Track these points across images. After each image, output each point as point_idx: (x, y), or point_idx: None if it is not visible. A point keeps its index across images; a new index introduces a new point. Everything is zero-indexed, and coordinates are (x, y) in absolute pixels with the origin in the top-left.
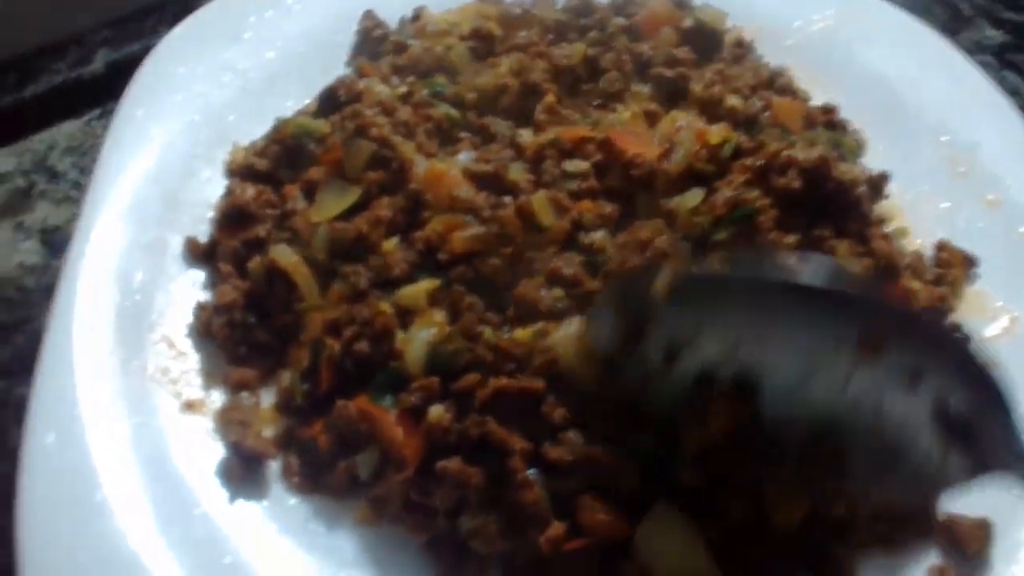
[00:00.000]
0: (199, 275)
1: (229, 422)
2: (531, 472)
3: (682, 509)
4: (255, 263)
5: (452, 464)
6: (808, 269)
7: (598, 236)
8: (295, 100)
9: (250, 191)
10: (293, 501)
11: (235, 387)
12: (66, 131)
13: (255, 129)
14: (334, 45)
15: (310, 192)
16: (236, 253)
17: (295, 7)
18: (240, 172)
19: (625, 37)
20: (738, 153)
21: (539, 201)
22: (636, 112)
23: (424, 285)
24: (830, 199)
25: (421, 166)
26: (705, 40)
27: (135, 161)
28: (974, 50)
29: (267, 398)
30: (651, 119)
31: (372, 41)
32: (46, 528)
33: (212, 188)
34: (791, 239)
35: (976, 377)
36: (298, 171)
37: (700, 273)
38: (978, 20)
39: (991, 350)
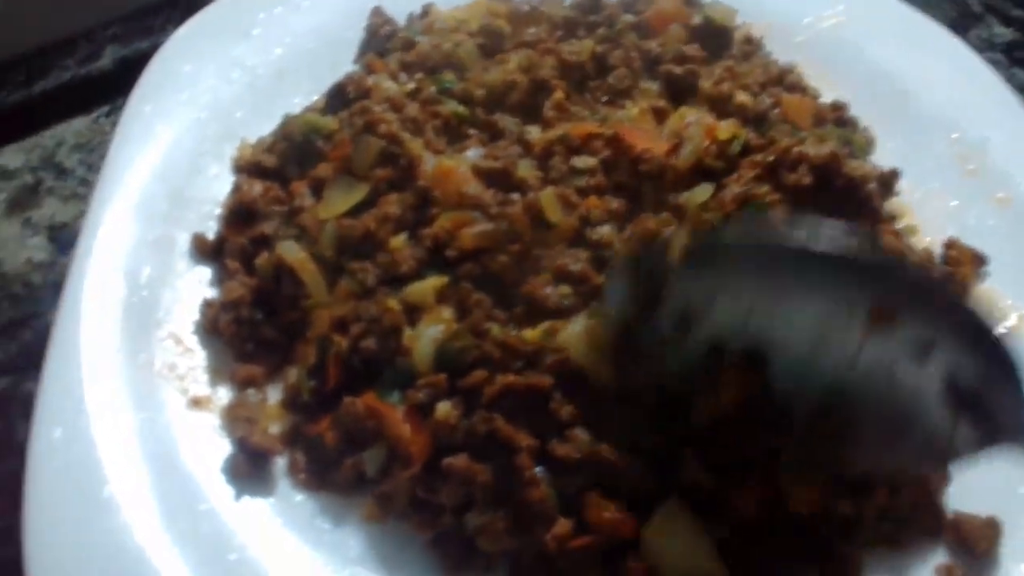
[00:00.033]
0: (206, 272)
1: (236, 418)
2: (538, 470)
3: (690, 507)
4: (262, 260)
5: (459, 461)
6: (825, 234)
7: (605, 231)
8: (303, 97)
9: (258, 188)
10: (299, 498)
11: (242, 383)
12: (74, 128)
13: (263, 126)
14: (342, 42)
15: (318, 189)
16: (243, 250)
17: (304, 4)
18: (248, 169)
19: (634, 34)
20: (747, 149)
21: (547, 198)
22: (644, 109)
23: (432, 282)
24: (840, 196)
25: (429, 163)
26: (714, 37)
27: (143, 158)
28: (983, 47)
29: (274, 394)
30: (660, 116)
31: (380, 38)
32: (52, 522)
33: (220, 185)
34: None
35: (987, 348)
36: (306, 168)
37: (716, 237)
38: (988, 17)
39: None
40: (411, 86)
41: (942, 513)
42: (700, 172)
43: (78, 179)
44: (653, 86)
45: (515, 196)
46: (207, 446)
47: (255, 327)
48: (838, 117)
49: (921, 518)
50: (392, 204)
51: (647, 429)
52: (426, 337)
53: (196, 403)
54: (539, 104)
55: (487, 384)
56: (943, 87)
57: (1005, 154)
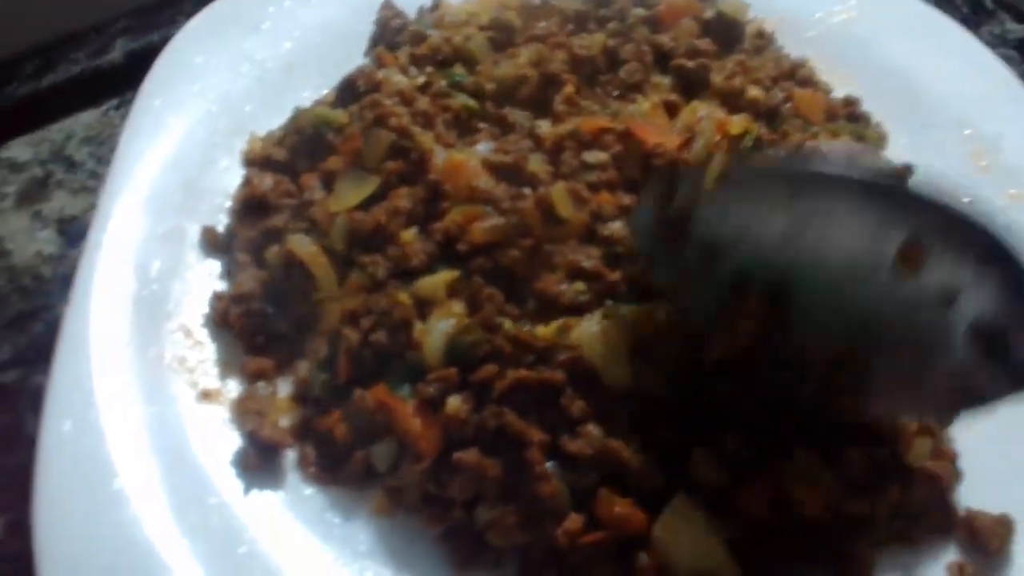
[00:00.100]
0: (216, 265)
1: (245, 412)
2: (549, 465)
3: (700, 505)
4: (273, 253)
5: (469, 456)
6: (862, 165)
7: (617, 227)
8: (313, 90)
9: (268, 181)
10: (309, 491)
11: (252, 377)
12: (84, 121)
13: (273, 119)
14: (352, 35)
15: (328, 182)
16: (254, 243)
17: None
18: (258, 162)
19: (645, 28)
20: (759, 144)
21: (558, 193)
22: (656, 103)
23: (443, 276)
24: None
25: (440, 156)
26: (726, 31)
27: (153, 151)
28: (996, 43)
29: (284, 388)
30: (671, 110)
31: (390, 31)
32: (62, 516)
33: (229, 178)
34: None
35: (1017, 290)
36: (316, 161)
37: (753, 163)
38: (1000, 14)
39: None
40: (421, 80)
41: (954, 510)
42: None
43: (88, 172)
44: (664, 80)
45: (526, 191)
46: (217, 439)
47: (265, 320)
48: (850, 112)
49: (933, 515)
50: (403, 197)
51: (658, 426)
52: (437, 331)
53: (206, 396)
54: (550, 98)
55: (498, 379)
56: (955, 83)
57: (1018, 150)
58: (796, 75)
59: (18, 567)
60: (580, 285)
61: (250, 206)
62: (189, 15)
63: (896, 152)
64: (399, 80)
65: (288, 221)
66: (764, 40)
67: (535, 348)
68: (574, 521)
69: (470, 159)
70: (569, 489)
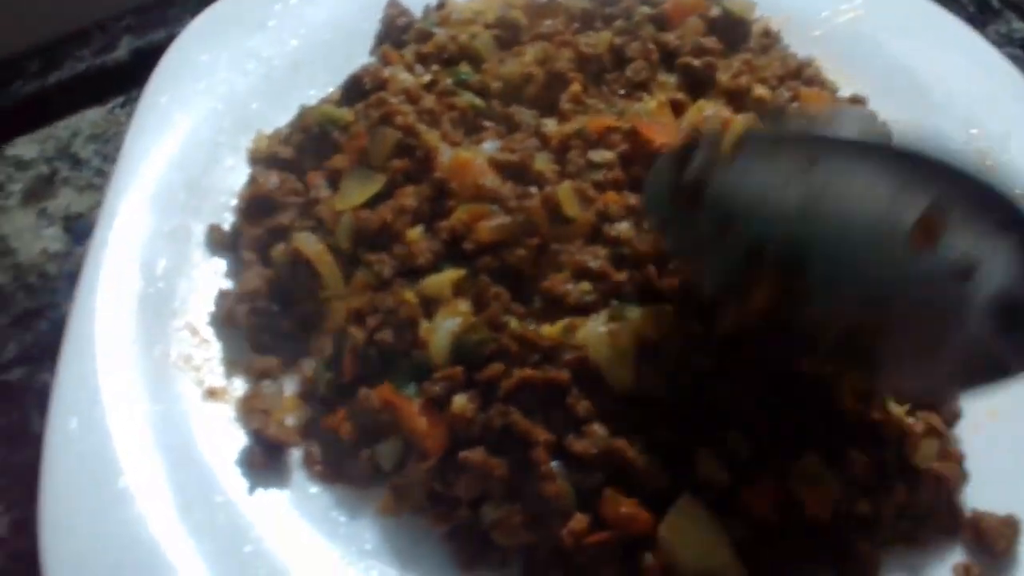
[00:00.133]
0: (222, 263)
1: (251, 410)
2: (554, 464)
3: (706, 505)
4: (278, 251)
5: (475, 455)
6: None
7: (623, 228)
8: (319, 88)
9: (274, 179)
10: (315, 490)
11: (258, 375)
12: (89, 118)
13: (278, 117)
14: (358, 33)
15: (334, 180)
16: (260, 241)
17: None
18: (264, 160)
19: (651, 26)
20: None
21: (564, 192)
22: (662, 101)
23: (449, 275)
24: None
25: (446, 155)
26: (732, 30)
27: (159, 148)
28: (1002, 42)
29: (290, 386)
30: (677, 109)
31: (396, 29)
32: (68, 513)
33: (235, 176)
34: None
35: None
36: (322, 159)
37: (772, 128)
38: (1006, 13)
39: None
40: (427, 78)
41: (960, 511)
42: None
43: (93, 169)
44: (671, 79)
45: (532, 189)
46: (222, 437)
47: (271, 318)
48: None
49: (939, 516)
50: (409, 196)
51: (663, 426)
52: (443, 330)
53: (212, 394)
54: (556, 97)
55: (504, 377)
56: (962, 82)
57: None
58: (802, 74)
59: (24, 565)
60: (586, 285)
61: (256, 204)
62: (194, 13)
63: None
64: (405, 78)
65: (294, 219)
66: (770, 39)
67: (541, 347)
68: (579, 521)
69: (476, 157)
70: (574, 489)
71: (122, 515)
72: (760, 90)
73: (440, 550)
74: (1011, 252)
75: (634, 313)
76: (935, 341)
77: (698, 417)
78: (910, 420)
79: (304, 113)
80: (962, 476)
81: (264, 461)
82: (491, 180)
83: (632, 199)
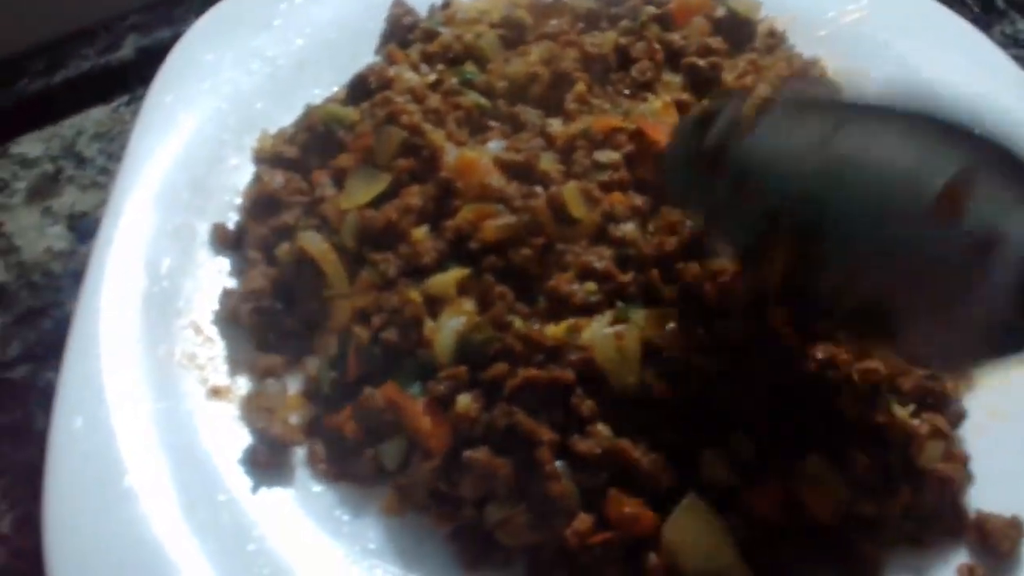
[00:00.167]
0: (226, 262)
1: (255, 409)
2: (558, 464)
3: (710, 505)
4: (283, 250)
5: (479, 454)
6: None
7: (629, 229)
8: (324, 88)
9: (279, 178)
10: (319, 488)
11: (262, 374)
12: (94, 117)
13: (283, 116)
14: (363, 32)
15: (339, 179)
16: (264, 240)
17: None
18: (269, 159)
19: (656, 26)
20: None
21: (570, 192)
22: (667, 102)
23: (454, 274)
24: None
25: (451, 154)
26: (738, 30)
27: (163, 147)
28: (1007, 43)
29: (294, 385)
30: (683, 109)
31: (402, 28)
32: (72, 512)
33: (240, 175)
34: None
35: None
36: (327, 158)
37: (795, 94)
38: (1011, 13)
39: None
40: (432, 77)
41: (965, 513)
42: None
43: (98, 168)
44: (676, 79)
45: (538, 189)
46: (226, 436)
47: (275, 317)
48: None
49: (943, 518)
50: (414, 195)
51: (668, 426)
52: (447, 329)
53: (216, 393)
54: (561, 96)
55: (508, 377)
56: (968, 83)
57: None
58: (808, 74)
59: (27, 563)
60: (591, 285)
61: (261, 203)
62: (199, 12)
63: None
64: (410, 77)
65: (299, 218)
66: (776, 39)
67: (545, 347)
68: (583, 521)
69: (482, 157)
70: (578, 489)
71: (126, 514)
72: (763, 88)
73: (444, 550)
74: None
75: (639, 315)
76: (954, 310)
77: (702, 418)
78: (914, 422)
79: (309, 112)
80: (966, 477)
81: (268, 460)
82: (496, 180)
83: (638, 200)
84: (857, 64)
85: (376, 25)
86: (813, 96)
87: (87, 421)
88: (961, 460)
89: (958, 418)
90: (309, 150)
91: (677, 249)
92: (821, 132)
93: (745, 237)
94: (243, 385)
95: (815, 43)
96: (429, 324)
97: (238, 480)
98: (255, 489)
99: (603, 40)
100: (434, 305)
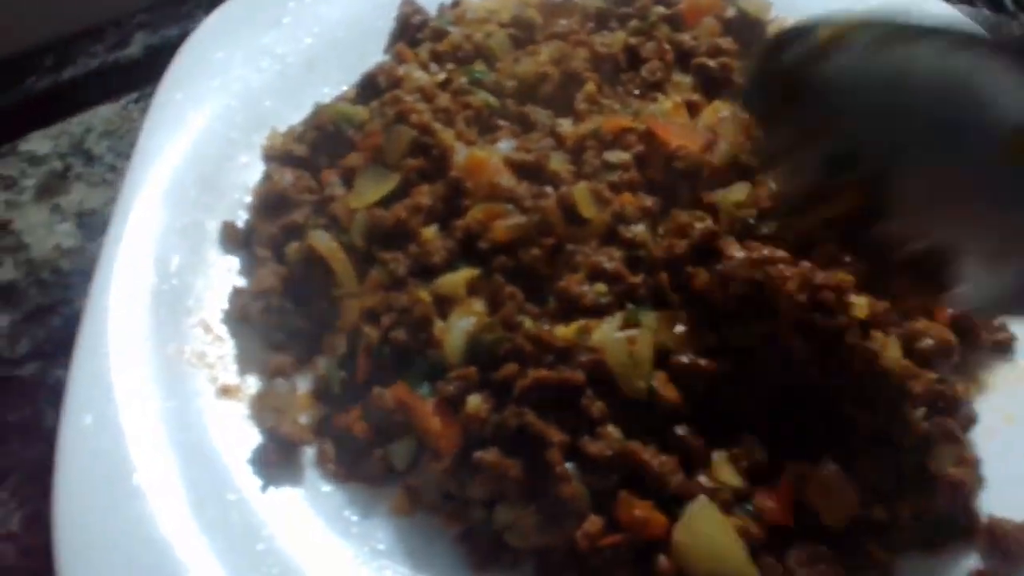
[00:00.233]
0: (236, 260)
1: (265, 408)
2: (568, 466)
3: (720, 508)
4: (293, 249)
5: (489, 455)
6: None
7: (639, 230)
8: (333, 86)
9: (289, 176)
10: (328, 488)
11: (271, 373)
12: (103, 114)
13: (292, 114)
14: (373, 31)
15: (348, 178)
16: (274, 238)
17: None
18: (278, 157)
19: (666, 26)
20: None
21: (580, 192)
22: (678, 102)
23: (464, 274)
24: None
25: (461, 154)
26: (748, 30)
27: (172, 145)
28: None
29: (303, 384)
30: (693, 109)
31: (411, 27)
32: (81, 510)
33: (249, 173)
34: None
35: None
36: (336, 157)
37: (874, 24)
38: (1021, 15)
39: None
40: (442, 76)
41: (976, 517)
42: (735, 169)
43: (106, 165)
44: (686, 79)
45: (548, 189)
46: (236, 435)
47: (285, 316)
48: None
49: (955, 522)
50: (423, 194)
51: (678, 429)
52: (457, 329)
53: (225, 392)
54: (570, 96)
55: (519, 378)
56: None
57: None
58: None
59: (36, 561)
60: (601, 287)
61: (270, 202)
62: (208, 10)
63: None
64: (420, 77)
65: (308, 217)
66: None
67: (555, 348)
68: (594, 523)
69: (491, 157)
70: (589, 491)
71: (135, 512)
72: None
73: (453, 551)
74: None
75: (649, 318)
76: (1010, 258)
77: (712, 421)
78: (925, 425)
79: (319, 111)
80: (978, 481)
81: (277, 459)
82: (506, 179)
83: (648, 201)
84: None
85: (385, 24)
86: (891, 27)
87: (96, 419)
88: (973, 464)
89: (969, 421)
90: (319, 149)
91: (687, 252)
92: (897, 65)
93: (812, 176)
94: (253, 384)
95: None
96: (439, 324)
97: (247, 479)
98: (264, 488)
99: (613, 40)
100: (444, 305)
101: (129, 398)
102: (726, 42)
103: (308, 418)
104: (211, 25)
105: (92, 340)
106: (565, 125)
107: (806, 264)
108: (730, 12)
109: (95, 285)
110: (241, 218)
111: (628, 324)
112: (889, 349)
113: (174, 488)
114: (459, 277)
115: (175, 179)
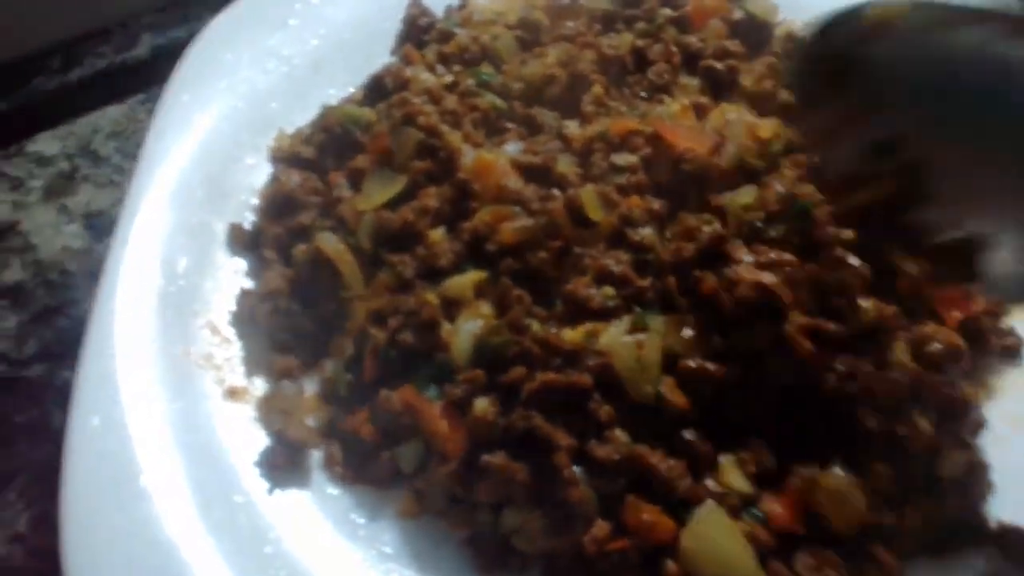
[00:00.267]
0: (243, 262)
1: (272, 410)
2: (576, 470)
3: (728, 513)
4: (300, 251)
5: (497, 459)
6: None
7: (647, 233)
8: (339, 88)
9: (296, 178)
10: (335, 491)
11: (278, 375)
12: (110, 115)
13: (299, 116)
14: (379, 33)
15: (356, 180)
16: (281, 240)
17: None
18: (286, 159)
19: (673, 28)
20: (789, 148)
21: (588, 195)
22: (685, 105)
23: (471, 276)
24: None
25: (469, 156)
26: (755, 33)
27: (179, 146)
28: None
29: (310, 387)
30: (700, 112)
31: (418, 29)
32: (88, 511)
33: (256, 174)
34: (848, 235)
35: None
36: (344, 159)
37: (917, 2)
38: None
39: None
40: (449, 78)
41: (986, 522)
42: (742, 172)
43: (113, 167)
44: (693, 82)
45: (555, 192)
46: (243, 437)
47: (292, 318)
48: None
49: (964, 528)
50: (431, 197)
51: (685, 433)
52: (464, 332)
53: (232, 394)
54: (577, 98)
55: (526, 381)
56: None
57: None
58: None
59: (44, 562)
60: (609, 290)
61: (277, 203)
62: (215, 11)
63: None
64: (427, 78)
65: (315, 219)
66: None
67: (563, 351)
68: (601, 528)
69: (499, 159)
70: (596, 495)
71: (142, 513)
72: (784, 94)
73: (460, 554)
74: None
75: (657, 322)
76: None
77: (720, 425)
78: (934, 430)
79: (326, 113)
80: (987, 486)
81: (284, 461)
82: (514, 182)
83: (655, 204)
84: None
85: (391, 25)
86: (937, 10)
87: (104, 420)
88: (981, 469)
89: (978, 426)
90: (326, 150)
91: (695, 255)
92: (944, 50)
93: (851, 162)
94: (260, 386)
95: None
96: (446, 327)
97: (254, 482)
98: (271, 491)
99: (620, 42)
100: (451, 307)
101: (136, 400)
102: (733, 44)
103: (315, 420)
104: (218, 27)
105: (99, 341)
106: (572, 127)
107: (814, 267)
108: (737, 14)
109: (102, 286)
110: (248, 220)
111: (636, 328)
112: (898, 353)
113: (181, 490)
114: (466, 279)
115: (182, 180)
